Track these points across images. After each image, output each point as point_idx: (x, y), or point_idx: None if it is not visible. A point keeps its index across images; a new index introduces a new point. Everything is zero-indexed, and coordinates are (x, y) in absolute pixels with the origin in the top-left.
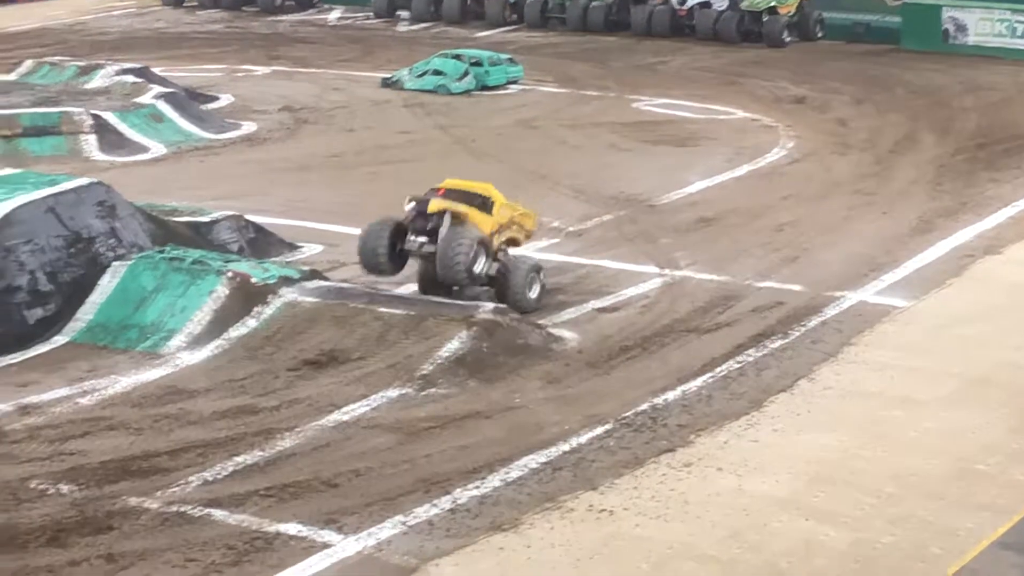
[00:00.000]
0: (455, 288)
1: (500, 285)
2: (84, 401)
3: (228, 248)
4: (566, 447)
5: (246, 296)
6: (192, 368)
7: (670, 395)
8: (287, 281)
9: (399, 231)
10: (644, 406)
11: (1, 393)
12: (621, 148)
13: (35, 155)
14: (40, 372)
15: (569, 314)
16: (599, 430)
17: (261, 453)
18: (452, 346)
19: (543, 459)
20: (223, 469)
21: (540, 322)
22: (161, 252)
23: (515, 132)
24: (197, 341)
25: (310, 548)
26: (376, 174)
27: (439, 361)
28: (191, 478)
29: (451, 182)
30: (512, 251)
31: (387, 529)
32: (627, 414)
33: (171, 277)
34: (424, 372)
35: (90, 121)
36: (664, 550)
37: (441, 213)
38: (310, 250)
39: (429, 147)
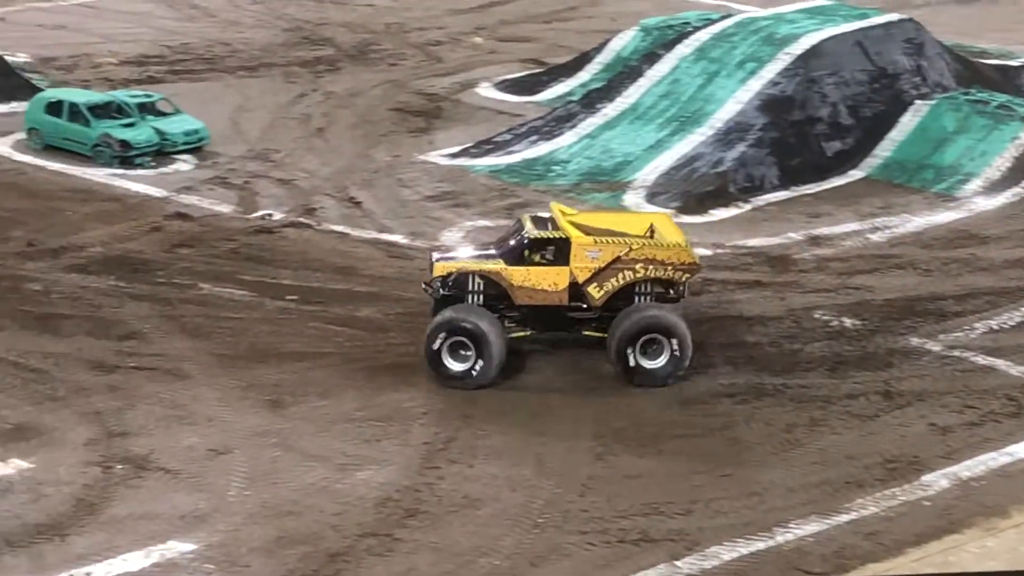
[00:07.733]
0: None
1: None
2: (874, 238)
3: None
4: None
5: None
6: (986, 214)
7: None
8: None
9: None
10: None
11: (794, 222)
12: None
13: None
14: (833, 205)
15: None
16: None
17: None
18: None
19: None
20: (1010, 319)
21: None
22: (965, 94)
23: None
24: (994, 187)
25: None
26: None
27: None
28: (976, 325)
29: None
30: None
31: None
32: None
33: (973, 120)
34: None
35: None
36: None
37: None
38: None
39: None
